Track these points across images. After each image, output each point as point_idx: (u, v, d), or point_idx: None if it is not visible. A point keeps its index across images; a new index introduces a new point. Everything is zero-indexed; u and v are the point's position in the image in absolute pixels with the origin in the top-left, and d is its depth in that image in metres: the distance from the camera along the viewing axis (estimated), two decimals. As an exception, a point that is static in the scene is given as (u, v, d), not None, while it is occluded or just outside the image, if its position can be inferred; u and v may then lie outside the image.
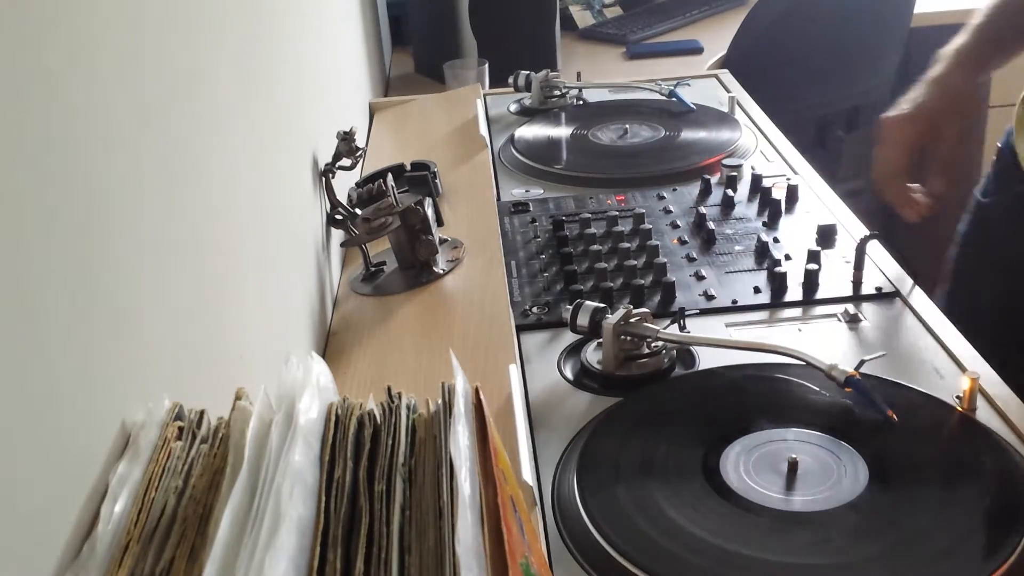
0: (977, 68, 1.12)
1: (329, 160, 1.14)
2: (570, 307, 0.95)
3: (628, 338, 0.93)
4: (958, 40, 1.12)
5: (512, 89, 1.68)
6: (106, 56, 0.56)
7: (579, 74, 1.72)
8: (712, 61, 2.02)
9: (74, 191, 0.50)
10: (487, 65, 1.83)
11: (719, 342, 0.94)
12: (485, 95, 1.70)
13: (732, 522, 0.74)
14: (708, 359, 0.94)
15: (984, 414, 0.84)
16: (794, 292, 1.04)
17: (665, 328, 0.93)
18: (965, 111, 1.11)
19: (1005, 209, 1.18)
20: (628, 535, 0.73)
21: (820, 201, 1.24)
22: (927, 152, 1.09)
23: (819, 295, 1.04)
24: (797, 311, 1.02)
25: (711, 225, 1.17)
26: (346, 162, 1.15)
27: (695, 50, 2.12)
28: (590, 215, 1.22)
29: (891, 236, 1.09)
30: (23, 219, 0.45)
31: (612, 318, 0.92)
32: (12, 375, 0.43)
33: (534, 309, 1.04)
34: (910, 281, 1.05)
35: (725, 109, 1.53)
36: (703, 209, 1.21)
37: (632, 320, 0.92)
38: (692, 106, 1.54)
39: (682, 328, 0.97)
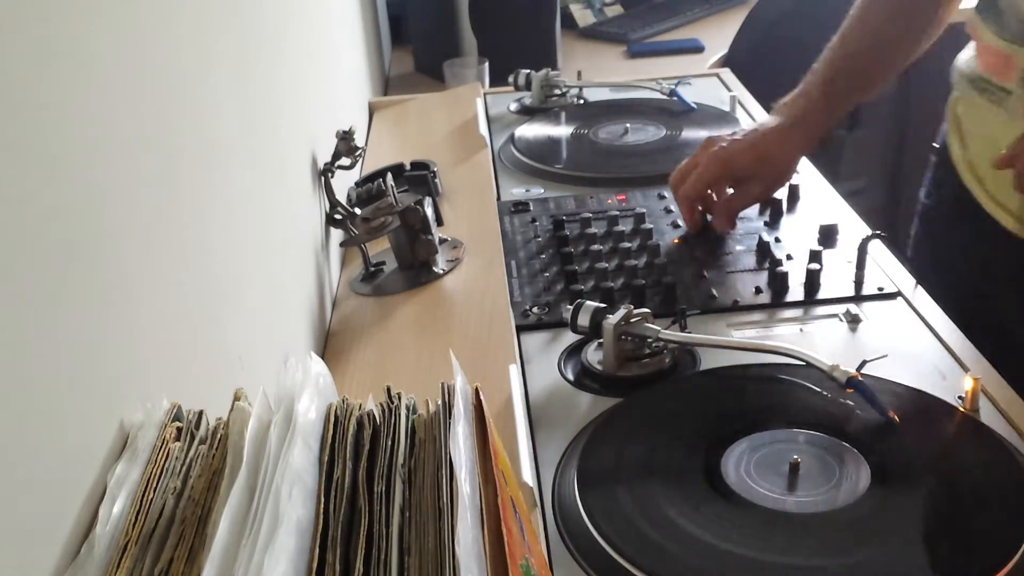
0: (809, 137, 1.16)
1: (328, 159, 1.14)
2: (570, 307, 0.95)
3: (629, 338, 0.92)
4: (802, 99, 1.15)
5: (512, 88, 1.67)
6: (104, 57, 0.55)
7: (580, 73, 1.72)
8: (713, 60, 2.02)
9: (72, 191, 0.50)
10: (487, 64, 1.82)
11: (720, 342, 0.93)
12: (485, 94, 1.70)
13: (733, 523, 0.74)
14: (709, 359, 0.94)
15: (987, 415, 0.84)
16: (795, 292, 1.04)
17: (666, 328, 0.92)
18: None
19: (945, 209, 1.19)
20: (629, 536, 0.73)
21: (822, 201, 1.23)
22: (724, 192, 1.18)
23: (821, 295, 1.04)
24: (798, 311, 1.02)
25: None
26: (345, 161, 1.14)
27: (696, 49, 2.12)
28: (591, 215, 1.21)
29: (893, 236, 1.10)
30: (22, 220, 0.44)
31: (613, 318, 0.91)
32: (10, 375, 0.42)
33: (534, 309, 1.04)
34: (912, 281, 1.05)
35: (726, 108, 1.52)
36: (704, 209, 1.21)
37: (633, 320, 0.92)
38: (693, 105, 1.53)
39: (683, 328, 0.96)
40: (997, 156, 0.96)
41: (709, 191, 1.17)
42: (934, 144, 1.21)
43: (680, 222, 1.20)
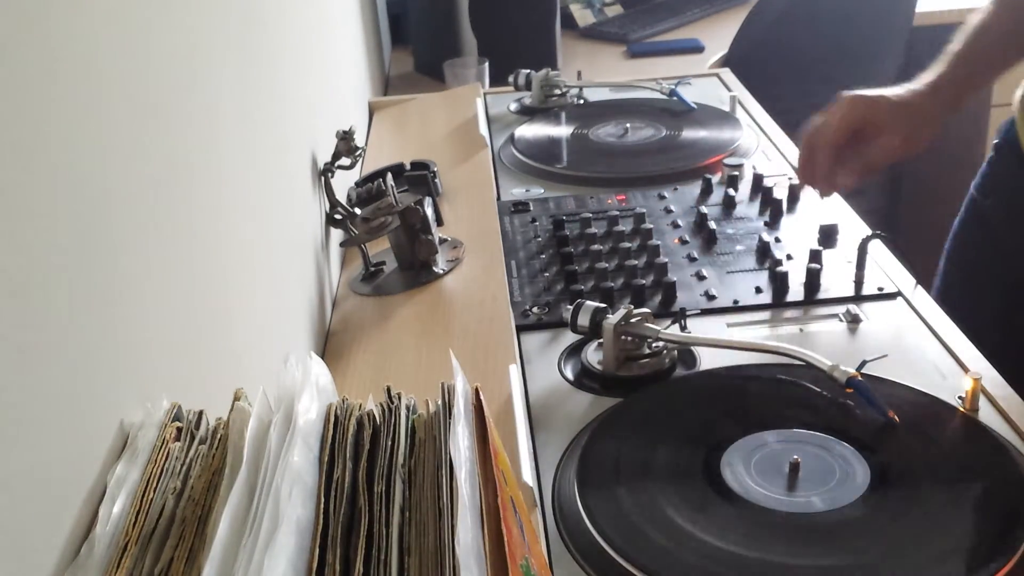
0: (942, 107, 1.12)
1: (328, 159, 1.14)
2: (570, 307, 0.95)
3: (629, 338, 0.92)
4: (938, 68, 1.13)
5: (512, 88, 1.68)
6: (106, 57, 0.55)
7: (579, 73, 1.72)
8: (713, 60, 2.01)
9: (72, 191, 0.50)
10: (487, 64, 1.82)
11: (720, 342, 0.93)
12: (485, 94, 1.69)
13: (733, 523, 0.74)
14: (709, 359, 0.94)
15: (986, 415, 0.84)
16: (796, 292, 1.04)
17: (666, 328, 0.92)
18: (917, 138, 1.12)
19: (1003, 205, 1.18)
20: (628, 536, 0.73)
21: (822, 200, 1.23)
22: (858, 147, 1.10)
23: (821, 295, 1.04)
24: (798, 311, 1.02)
25: (712, 225, 1.17)
26: (345, 161, 1.14)
27: (696, 49, 2.12)
28: (591, 215, 1.21)
29: (893, 236, 1.09)
30: (22, 219, 0.44)
31: (613, 318, 0.91)
32: (10, 375, 0.42)
33: (534, 309, 1.04)
34: (912, 281, 1.05)
35: (726, 108, 1.52)
36: (704, 209, 1.21)
37: (633, 320, 0.92)
38: (693, 105, 1.53)
39: (683, 328, 0.96)
40: None
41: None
42: (994, 141, 1.20)
43: (680, 221, 1.19)
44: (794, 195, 1.23)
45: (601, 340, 0.92)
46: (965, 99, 1.14)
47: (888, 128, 1.10)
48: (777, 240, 1.14)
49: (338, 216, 1.13)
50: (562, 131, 1.51)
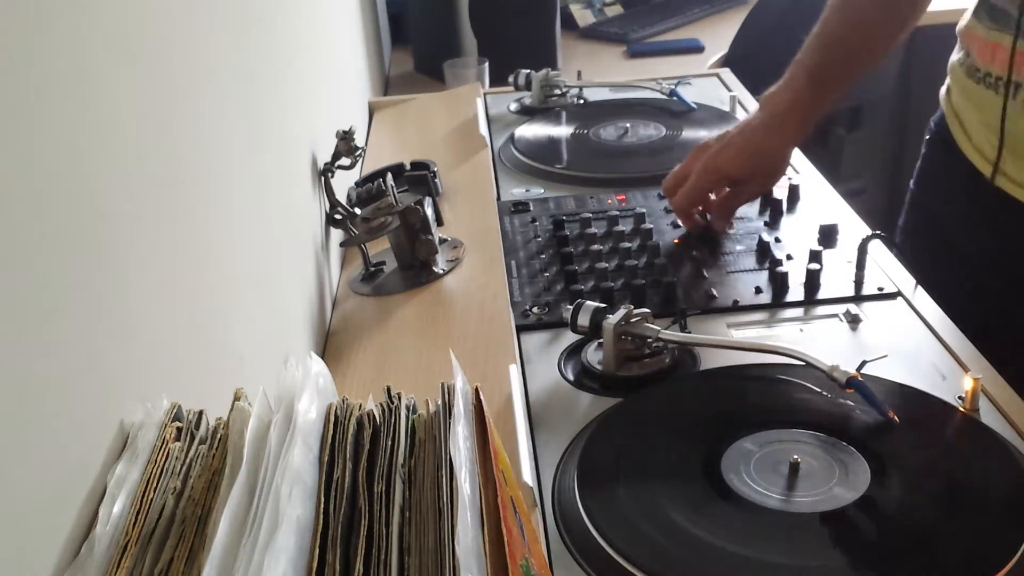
0: (800, 128, 1.15)
1: (328, 159, 1.14)
2: (570, 307, 0.95)
3: (629, 338, 0.92)
4: (784, 92, 1.15)
5: (512, 88, 1.67)
6: (104, 57, 0.55)
7: (580, 73, 1.72)
8: (713, 60, 2.02)
9: (72, 191, 0.50)
10: (487, 64, 1.82)
11: (720, 342, 0.93)
12: (485, 94, 1.69)
13: (733, 523, 0.74)
14: (709, 360, 0.94)
15: (987, 415, 0.84)
16: (795, 292, 1.04)
17: (666, 328, 0.92)
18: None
19: (941, 199, 1.19)
20: (628, 536, 0.73)
21: (822, 201, 1.23)
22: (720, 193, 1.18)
23: (821, 295, 1.04)
24: (798, 311, 1.02)
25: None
26: (345, 161, 1.14)
27: (696, 49, 2.12)
28: (591, 215, 1.21)
29: (893, 236, 1.10)
30: (21, 220, 0.44)
31: (613, 318, 0.91)
32: (10, 375, 0.42)
33: (534, 309, 1.04)
34: (912, 281, 1.05)
35: (726, 108, 1.52)
36: (704, 209, 1.21)
37: (633, 320, 0.92)
38: (693, 105, 1.53)
39: (683, 328, 0.96)
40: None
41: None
42: (926, 136, 1.21)
43: (680, 222, 1.20)
44: (794, 195, 1.23)
45: (601, 340, 0.92)
46: (821, 112, 1.17)
47: (741, 181, 1.16)
48: (777, 240, 1.14)
49: (338, 216, 1.13)
50: (562, 131, 1.51)
